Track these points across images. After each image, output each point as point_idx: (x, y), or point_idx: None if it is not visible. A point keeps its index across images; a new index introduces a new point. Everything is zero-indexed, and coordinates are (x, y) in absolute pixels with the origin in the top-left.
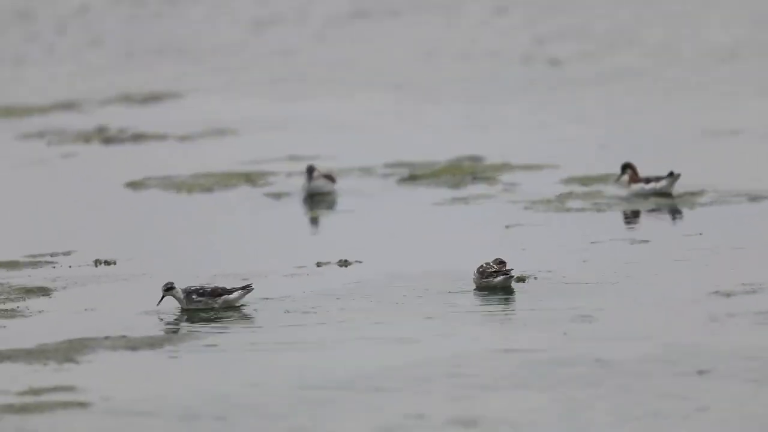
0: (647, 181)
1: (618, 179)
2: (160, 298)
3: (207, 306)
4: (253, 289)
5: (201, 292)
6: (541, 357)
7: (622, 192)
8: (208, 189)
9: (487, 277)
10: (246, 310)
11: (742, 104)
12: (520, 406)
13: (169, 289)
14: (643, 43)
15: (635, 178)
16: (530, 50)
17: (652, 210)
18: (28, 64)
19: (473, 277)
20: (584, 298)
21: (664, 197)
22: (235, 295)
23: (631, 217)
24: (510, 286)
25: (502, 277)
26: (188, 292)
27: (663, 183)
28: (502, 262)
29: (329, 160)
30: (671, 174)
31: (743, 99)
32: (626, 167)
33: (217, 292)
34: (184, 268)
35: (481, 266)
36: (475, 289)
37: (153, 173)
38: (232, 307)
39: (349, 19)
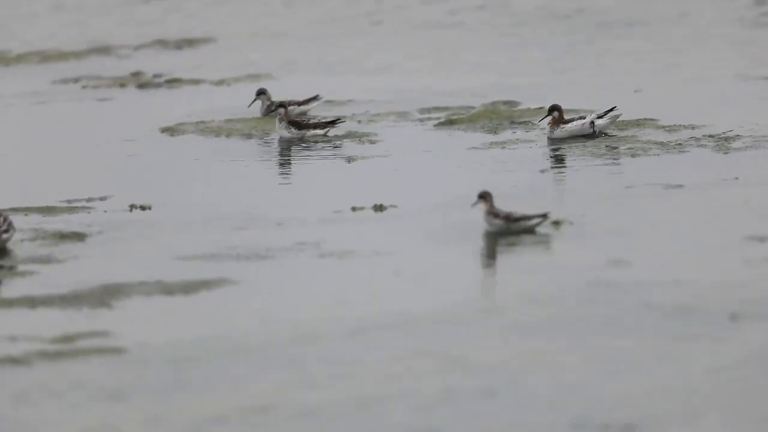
0: (571, 121)
1: (540, 121)
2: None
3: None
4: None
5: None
6: (572, 301)
7: (548, 134)
8: (244, 133)
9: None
10: (281, 254)
11: None
12: (552, 349)
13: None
14: None
15: (561, 119)
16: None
17: (687, 155)
18: (64, 10)
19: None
20: (618, 243)
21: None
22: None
23: (666, 161)
24: (534, 231)
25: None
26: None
27: (602, 121)
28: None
29: (367, 104)
30: (611, 110)
31: None
32: (552, 109)
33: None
34: (218, 212)
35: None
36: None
37: (188, 118)
38: (268, 250)
39: None
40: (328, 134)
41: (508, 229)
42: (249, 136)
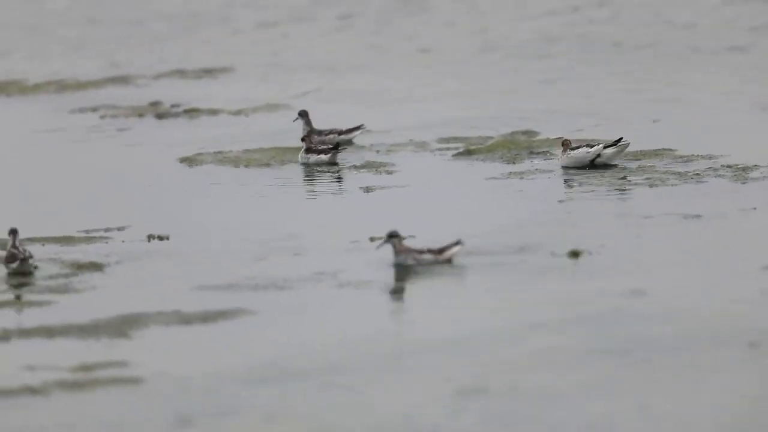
0: (577, 148)
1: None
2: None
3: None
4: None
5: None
6: (592, 331)
7: (561, 162)
8: (262, 163)
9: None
10: (299, 284)
11: None
12: (569, 378)
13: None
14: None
15: (568, 146)
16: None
17: (705, 185)
18: (83, 40)
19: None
20: (637, 272)
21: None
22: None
23: (684, 191)
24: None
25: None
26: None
27: (609, 151)
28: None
29: (383, 135)
30: (618, 140)
31: None
32: (562, 143)
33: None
34: (236, 242)
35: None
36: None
37: (206, 148)
38: (286, 280)
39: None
40: (335, 157)
41: (420, 262)
42: (267, 165)
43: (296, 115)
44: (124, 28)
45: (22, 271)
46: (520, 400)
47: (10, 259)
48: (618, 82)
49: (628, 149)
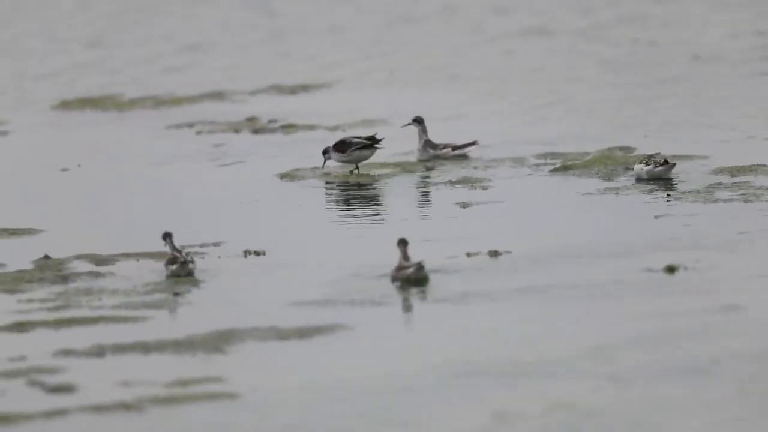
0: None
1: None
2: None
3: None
4: None
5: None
6: (685, 348)
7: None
8: (361, 181)
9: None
10: (395, 300)
11: None
12: (659, 395)
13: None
14: None
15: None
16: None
17: None
18: (179, 55)
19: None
20: (732, 288)
21: None
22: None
23: None
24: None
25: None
26: None
27: (658, 169)
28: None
29: (482, 150)
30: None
31: None
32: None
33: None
34: (333, 258)
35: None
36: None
37: (304, 164)
38: (383, 296)
39: (493, 12)
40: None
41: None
42: (364, 183)
43: (409, 120)
44: (219, 44)
45: (182, 274)
46: (618, 416)
47: (171, 261)
48: (719, 97)
49: (723, 165)
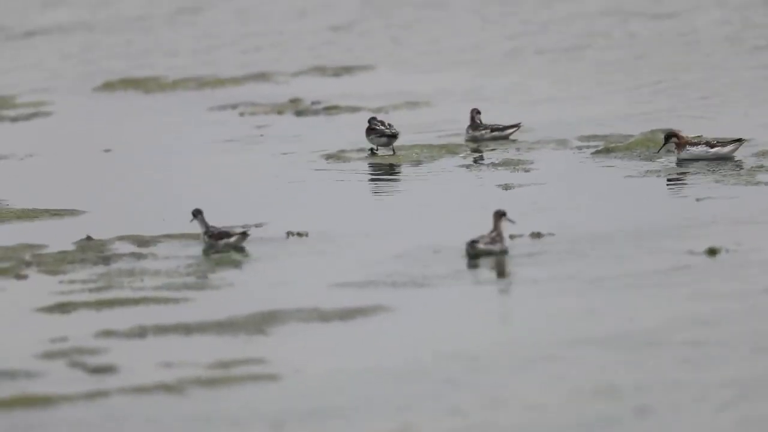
0: (697, 144)
1: (658, 151)
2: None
3: None
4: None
5: None
6: (732, 328)
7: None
8: (411, 160)
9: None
10: (437, 282)
11: None
12: (704, 377)
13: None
14: None
15: (685, 142)
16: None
17: None
18: (221, 37)
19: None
20: None
21: None
22: None
23: None
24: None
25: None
26: None
27: (726, 149)
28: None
29: (526, 132)
30: (737, 140)
31: None
32: (669, 137)
33: None
34: (378, 240)
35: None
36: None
37: (348, 145)
38: (425, 278)
39: None
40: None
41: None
42: (416, 162)
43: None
44: (264, 25)
45: (239, 244)
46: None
47: (221, 236)
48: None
49: (765, 147)
